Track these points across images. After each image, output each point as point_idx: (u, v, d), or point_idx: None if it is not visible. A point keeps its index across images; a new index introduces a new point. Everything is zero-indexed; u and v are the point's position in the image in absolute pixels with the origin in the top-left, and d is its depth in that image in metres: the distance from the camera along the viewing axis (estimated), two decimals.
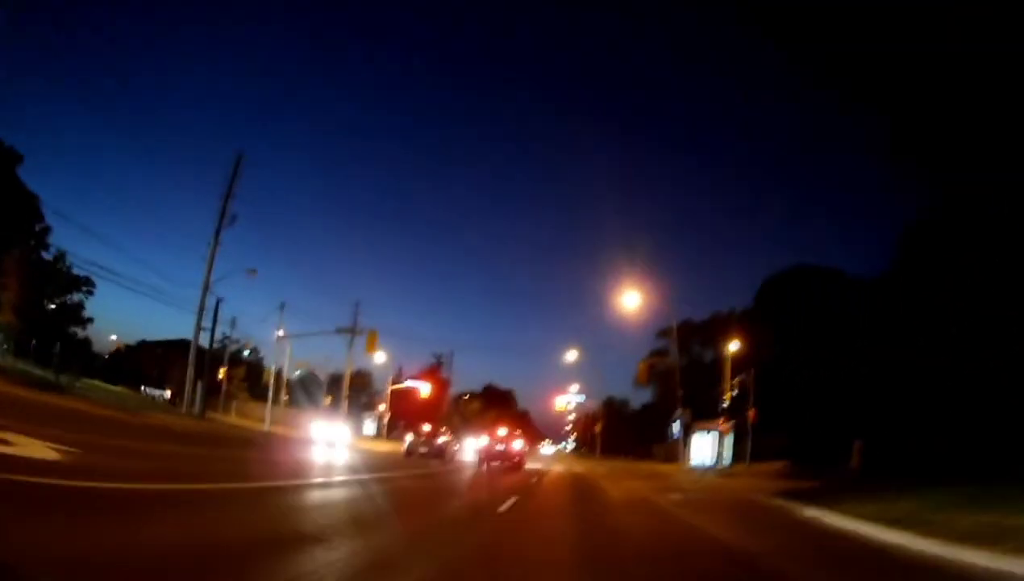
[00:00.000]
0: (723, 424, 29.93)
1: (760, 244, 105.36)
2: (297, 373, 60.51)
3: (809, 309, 45.32)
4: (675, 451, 70.25)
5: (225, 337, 62.22)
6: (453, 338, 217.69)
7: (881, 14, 27.74)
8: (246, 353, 40.40)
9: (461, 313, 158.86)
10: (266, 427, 34.47)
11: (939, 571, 6.43)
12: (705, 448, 29.19)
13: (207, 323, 32.66)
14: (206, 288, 31.63)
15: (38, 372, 25.37)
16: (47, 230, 34.54)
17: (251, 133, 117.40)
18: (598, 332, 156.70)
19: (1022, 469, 12.73)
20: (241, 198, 38.00)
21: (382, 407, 62.02)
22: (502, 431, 25.59)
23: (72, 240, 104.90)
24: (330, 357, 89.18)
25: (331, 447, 24.93)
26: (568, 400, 54.85)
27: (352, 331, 36.43)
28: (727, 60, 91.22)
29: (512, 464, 24.38)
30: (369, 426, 61.99)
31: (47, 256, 35.78)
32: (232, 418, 42.85)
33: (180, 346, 42.22)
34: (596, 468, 36.08)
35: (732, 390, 40.31)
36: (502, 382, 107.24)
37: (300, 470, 13.81)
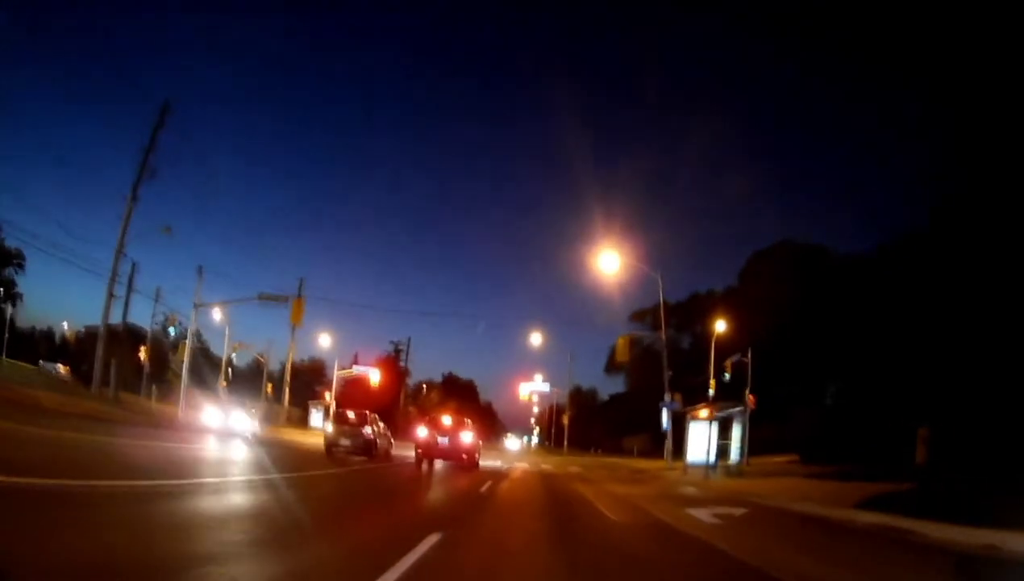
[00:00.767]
0: (711, 412, 24.38)
1: (738, 223, 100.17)
2: (233, 355, 53.43)
3: (801, 286, 41.48)
4: (646, 444, 65.47)
5: (166, 318, 56.76)
6: (412, 326, 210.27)
7: None
8: (172, 330, 33.87)
9: (421, 296, 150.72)
10: (180, 413, 28.69)
11: None
12: (703, 441, 23.57)
13: (123, 294, 27.66)
14: (119, 251, 25.99)
15: None
16: None
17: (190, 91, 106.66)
18: (565, 320, 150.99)
19: None
20: (173, 159, 32.67)
21: (328, 396, 55.30)
22: (447, 419, 19.46)
23: None
24: (273, 339, 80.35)
25: (232, 438, 20.51)
26: (532, 388, 48.87)
27: (276, 298, 29.96)
28: (717, 23, 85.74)
29: (460, 462, 18.19)
30: (316, 417, 55.53)
31: None
32: (151, 402, 37.96)
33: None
34: (567, 466, 30.18)
35: (723, 374, 35.20)
36: (464, 374, 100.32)
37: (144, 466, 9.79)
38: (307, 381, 68.54)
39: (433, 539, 5.58)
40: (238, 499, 7.67)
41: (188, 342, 32.04)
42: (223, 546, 4.68)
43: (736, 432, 22.79)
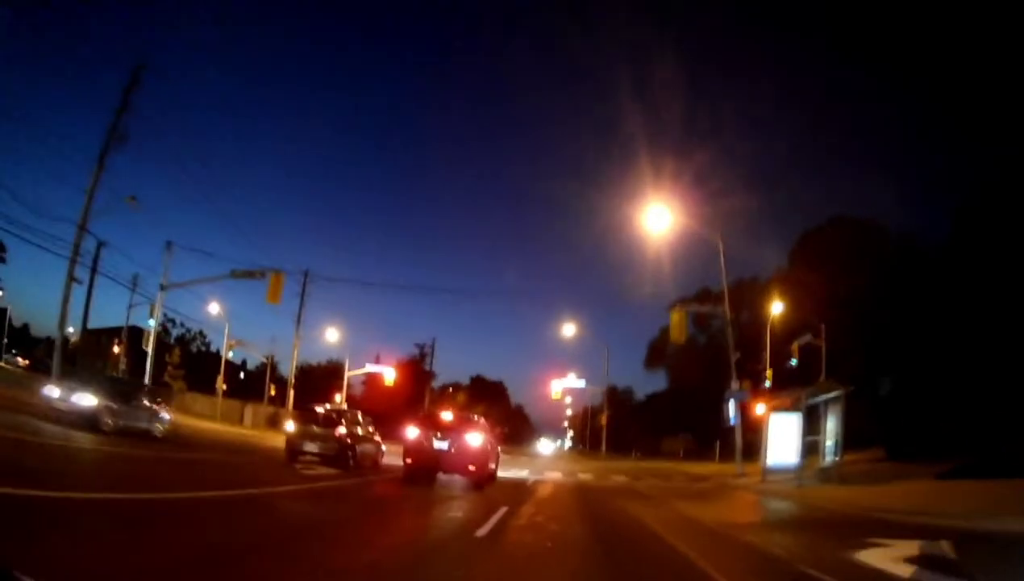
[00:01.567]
0: (796, 401, 18.93)
1: (782, 203, 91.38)
2: (230, 354, 49.55)
3: (859, 268, 36.56)
4: (691, 445, 59.35)
5: (167, 320, 52.93)
6: (438, 328, 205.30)
7: None
8: (150, 323, 29.54)
9: (445, 297, 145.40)
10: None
11: None
12: (788, 438, 18.16)
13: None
14: (82, 226, 21.58)
15: None
16: None
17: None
18: (600, 316, 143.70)
19: None
20: (156, 133, 28.42)
21: (338, 398, 50.74)
22: (447, 416, 14.36)
23: None
24: (277, 337, 76.08)
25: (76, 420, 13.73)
26: (565, 385, 43.50)
27: (250, 275, 25.39)
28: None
29: (466, 475, 12.99)
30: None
31: None
32: None
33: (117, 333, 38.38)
34: (608, 474, 24.86)
35: (789, 359, 29.77)
36: (494, 377, 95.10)
37: None
38: (324, 385, 64.23)
39: None
40: None
41: (153, 326, 27.76)
42: None
43: (831, 424, 17.20)
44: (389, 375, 47.77)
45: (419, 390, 62.75)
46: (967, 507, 10.16)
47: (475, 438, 13.06)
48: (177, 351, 49.11)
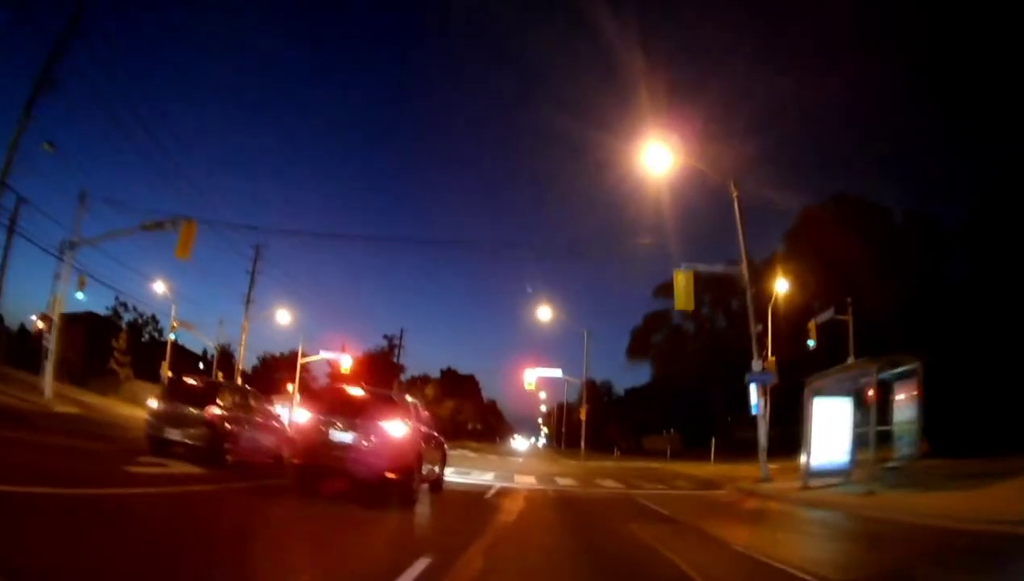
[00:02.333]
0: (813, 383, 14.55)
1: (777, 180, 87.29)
2: (172, 336, 43.74)
3: (865, 249, 34.23)
4: (677, 444, 54.90)
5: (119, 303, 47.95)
6: (408, 319, 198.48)
7: None
8: (79, 296, 24.33)
9: (416, 286, 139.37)
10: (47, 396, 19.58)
11: None
12: (838, 429, 13.73)
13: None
14: (1, 181, 17.85)
15: None
16: None
17: None
18: (578, 315, 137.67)
19: None
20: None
21: (290, 387, 45.64)
22: (355, 391, 9.20)
23: None
24: (225, 320, 70.06)
25: None
26: (539, 374, 38.71)
27: (159, 226, 20.33)
28: None
29: (386, 482, 7.93)
30: (282, 412, 45.28)
31: None
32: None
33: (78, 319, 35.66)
34: (594, 477, 20.01)
35: (808, 341, 25.74)
36: (467, 371, 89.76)
37: None
38: (288, 376, 58.76)
39: None
40: None
41: (58, 295, 22.28)
42: None
43: (909, 411, 12.61)
44: (345, 362, 42.64)
45: (387, 383, 57.73)
46: None
47: (396, 427, 8.08)
48: (123, 336, 43.34)
